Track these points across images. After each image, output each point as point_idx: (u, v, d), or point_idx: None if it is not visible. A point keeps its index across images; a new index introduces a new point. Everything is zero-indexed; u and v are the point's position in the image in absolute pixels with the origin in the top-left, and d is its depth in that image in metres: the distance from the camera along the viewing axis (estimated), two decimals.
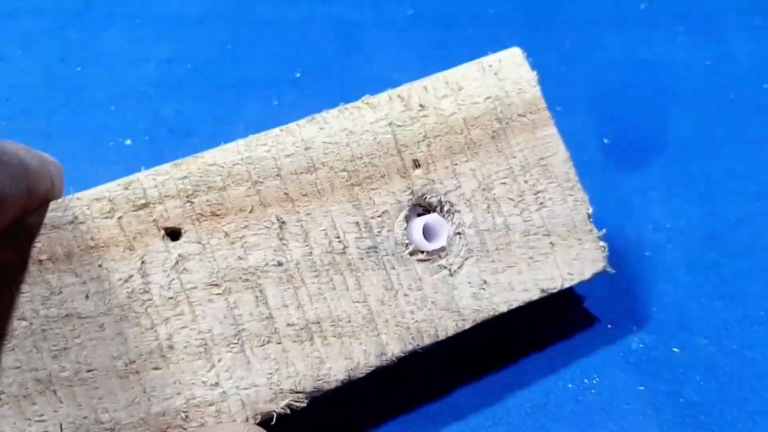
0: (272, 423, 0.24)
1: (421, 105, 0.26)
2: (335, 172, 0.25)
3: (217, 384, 0.24)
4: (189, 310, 0.24)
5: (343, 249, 0.25)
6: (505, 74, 0.27)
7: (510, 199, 0.27)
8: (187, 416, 0.24)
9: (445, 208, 0.26)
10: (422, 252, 0.26)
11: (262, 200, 0.25)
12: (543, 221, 0.27)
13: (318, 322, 0.25)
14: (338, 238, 0.25)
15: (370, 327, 0.25)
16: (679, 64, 0.43)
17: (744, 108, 0.40)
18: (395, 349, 0.25)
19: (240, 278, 0.24)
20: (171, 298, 0.24)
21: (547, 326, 0.30)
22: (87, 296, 0.23)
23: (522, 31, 0.46)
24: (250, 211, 0.25)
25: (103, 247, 0.24)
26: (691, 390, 0.28)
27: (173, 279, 0.24)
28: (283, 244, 0.25)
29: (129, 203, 0.24)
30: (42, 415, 0.23)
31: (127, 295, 0.24)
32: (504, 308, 0.26)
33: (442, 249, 0.26)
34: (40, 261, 0.23)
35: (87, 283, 0.23)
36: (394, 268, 0.26)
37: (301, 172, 0.25)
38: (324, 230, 0.25)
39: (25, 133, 0.40)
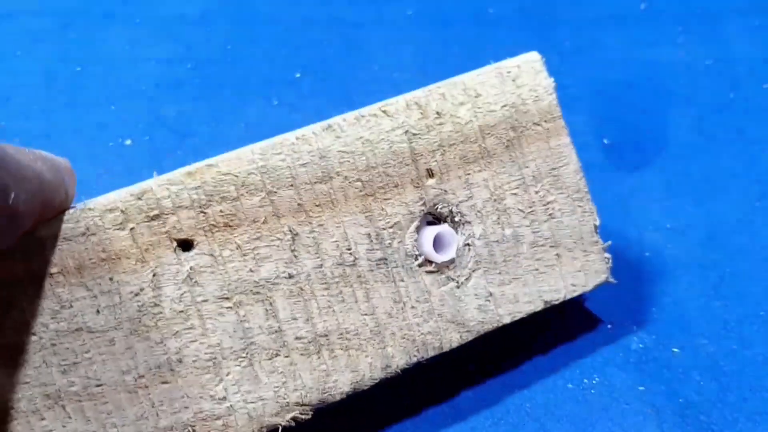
0: None
1: (437, 113, 0.26)
2: (349, 182, 0.25)
3: (224, 398, 0.24)
4: (199, 324, 0.24)
5: (354, 261, 0.25)
6: (523, 81, 0.27)
7: (520, 210, 0.27)
8: (194, 430, 0.24)
9: (456, 219, 0.26)
10: (431, 263, 0.26)
11: (275, 211, 0.24)
12: (551, 232, 0.27)
13: (326, 335, 0.25)
14: (349, 249, 0.25)
15: (377, 340, 0.25)
16: (679, 64, 0.43)
17: (744, 108, 0.40)
18: (400, 361, 0.25)
19: (251, 291, 0.24)
20: (182, 311, 0.24)
21: (548, 326, 0.30)
22: (98, 310, 0.23)
23: (522, 31, 0.46)
24: (263, 222, 0.24)
25: (114, 259, 0.23)
26: (691, 390, 0.28)
27: (184, 292, 0.24)
28: (295, 256, 0.24)
29: (142, 214, 0.23)
30: (51, 430, 0.23)
31: (137, 308, 0.23)
32: (508, 320, 0.26)
33: (451, 261, 0.26)
34: (51, 274, 0.23)
35: (98, 297, 0.23)
36: (402, 280, 0.25)
37: (316, 182, 0.25)
38: (336, 242, 0.25)
39: (25, 133, 0.40)
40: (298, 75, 0.43)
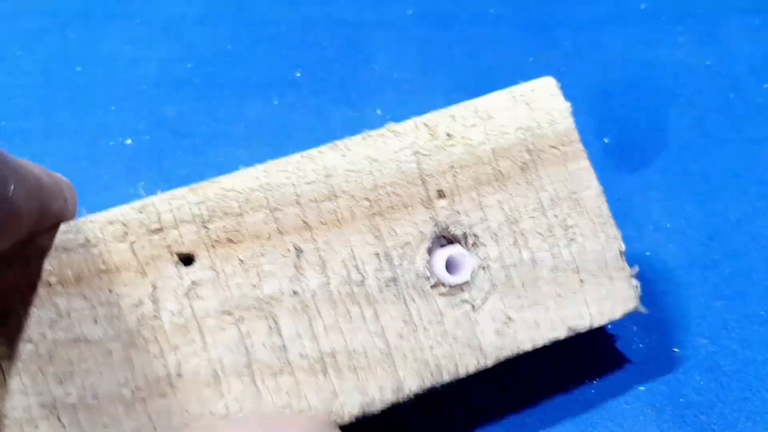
0: None
1: (448, 134, 0.26)
2: (356, 201, 0.25)
3: (226, 416, 0.23)
4: (200, 338, 0.23)
5: (362, 280, 0.24)
6: (538, 104, 0.26)
7: (539, 233, 0.26)
8: None
9: (470, 241, 0.25)
10: (444, 285, 0.25)
11: (279, 228, 0.24)
12: (572, 257, 0.26)
13: (333, 355, 0.24)
14: (357, 268, 0.24)
15: (388, 361, 0.24)
16: (679, 64, 0.43)
17: (744, 108, 0.40)
18: (413, 385, 0.24)
19: (253, 307, 0.24)
20: (182, 325, 0.23)
21: None
22: (96, 321, 0.23)
23: (522, 31, 0.46)
24: (267, 239, 0.24)
25: (114, 271, 0.23)
26: (691, 390, 0.28)
27: (185, 306, 0.23)
28: (300, 273, 0.24)
29: (143, 227, 0.23)
30: None
31: (136, 320, 0.23)
32: (529, 346, 0.25)
33: (466, 283, 0.25)
34: (50, 283, 0.22)
35: (96, 307, 0.23)
36: (414, 301, 0.25)
37: (322, 200, 0.24)
38: (342, 260, 0.24)
39: (25, 133, 0.40)
40: (298, 75, 0.43)
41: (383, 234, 0.25)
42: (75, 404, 0.23)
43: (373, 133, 0.25)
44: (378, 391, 0.24)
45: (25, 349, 0.22)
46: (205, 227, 0.24)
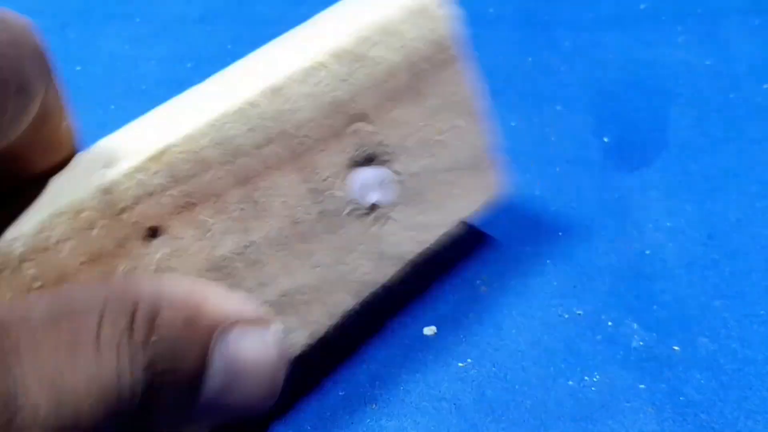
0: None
1: (355, 56, 0.26)
2: (287, 141, 0.25)
3: None
4: None
5: (300, 219, 0.26)
6: (429, 12, 0.28)
7: (431, 140, 0.28)
8: None
9: (382, 159, 0.27)
10: (364, 206, 0.27)
11: (228, 183, 0.24)
12: (456, 157, 0.29)
13: (285, 295, 0.26)
14: (294, 208, 0.26)
15: (327, 289, 0.26)
16: (679, 64, 0.43)
17: (744, 108, 0.40)
18: (351, 303, 0.27)
19: (214, 268, 0.24)
20: None
21: (547, 326, 0.30)
22: None
23: (522, 31, 0.46)
24: (219, 196, 0.24)
25: (92, 261, 0.22)
26: (692, 388, 0.28)
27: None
28: (250, 226, 0.25)
29: (110, 209, 0.22)
30: None
31: None
32: (432, 240, 0.29)
33: (379, 200, 0.27)
34: (35, 290, 0.22)
35: None
36: (343, 227, 0.27)
37: (262, 146, 0.25)
38: (284, 202, 0.25)
39: None
40: None
41: (311, 169, 0.26)
42: None
43: (297, 69, 0.26)
44: (325, 317, 0.26)
45: None
46: (167, 196, 0.23)
